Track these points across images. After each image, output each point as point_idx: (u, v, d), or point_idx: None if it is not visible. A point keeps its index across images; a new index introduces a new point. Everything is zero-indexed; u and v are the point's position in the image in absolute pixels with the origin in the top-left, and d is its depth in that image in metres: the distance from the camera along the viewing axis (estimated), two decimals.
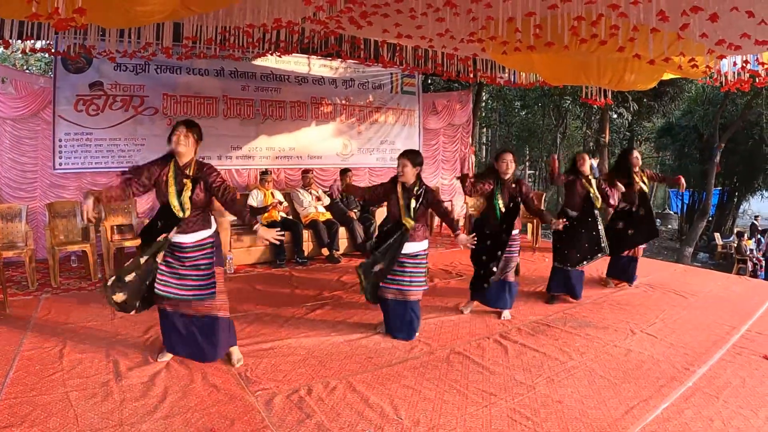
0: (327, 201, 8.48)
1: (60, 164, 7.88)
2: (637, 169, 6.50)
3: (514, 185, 5.21)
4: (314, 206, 8.31)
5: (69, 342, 4.40)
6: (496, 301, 5.35)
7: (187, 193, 3.69)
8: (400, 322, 4.66)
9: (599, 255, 5.88)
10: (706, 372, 4.01)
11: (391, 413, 3.31)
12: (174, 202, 3.68)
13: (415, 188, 4.59)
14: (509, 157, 5.19)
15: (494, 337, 4.73)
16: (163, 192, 3.74)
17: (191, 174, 3.74)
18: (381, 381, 3.78)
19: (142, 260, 3.70)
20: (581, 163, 5.91)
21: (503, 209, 5.14)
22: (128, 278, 3.70)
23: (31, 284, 6.10)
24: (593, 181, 5.90)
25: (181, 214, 3.70)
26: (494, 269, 5.03)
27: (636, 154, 6.61)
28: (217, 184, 3.77)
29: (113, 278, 3.69)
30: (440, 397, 3.55)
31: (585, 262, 5.87)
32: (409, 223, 4.50)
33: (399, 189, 4.60)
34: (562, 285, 5.92)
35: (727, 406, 3.47)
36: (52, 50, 7.28)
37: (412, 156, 4.59)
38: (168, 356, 4.06)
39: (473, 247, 5.09)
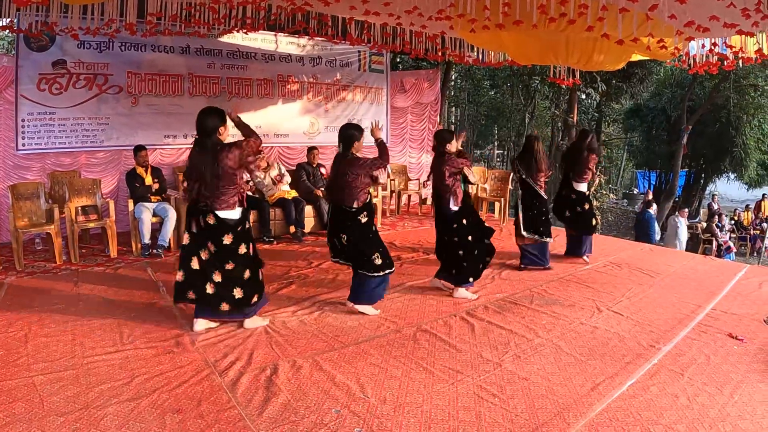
0: (288, 179, 8.42)
1: (23, 145, 7.65)
2: None
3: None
4: (277, 186, 8.27)
5: (34, 326, 4.33)
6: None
7: None
8: None
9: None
10: (671, 350, 4.08)
11: (357, 392, 3.32)
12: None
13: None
14: None
15: (461, 314, 4.77)
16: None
17: None
18: (347, 359, 3.80)
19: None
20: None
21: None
22: None
23: None
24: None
25: None
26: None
27: None
28: None
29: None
30: (407, 374, 3.57)
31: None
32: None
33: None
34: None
35: (692, 383, 3.54)
36: (14, 28, 7.03)
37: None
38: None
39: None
